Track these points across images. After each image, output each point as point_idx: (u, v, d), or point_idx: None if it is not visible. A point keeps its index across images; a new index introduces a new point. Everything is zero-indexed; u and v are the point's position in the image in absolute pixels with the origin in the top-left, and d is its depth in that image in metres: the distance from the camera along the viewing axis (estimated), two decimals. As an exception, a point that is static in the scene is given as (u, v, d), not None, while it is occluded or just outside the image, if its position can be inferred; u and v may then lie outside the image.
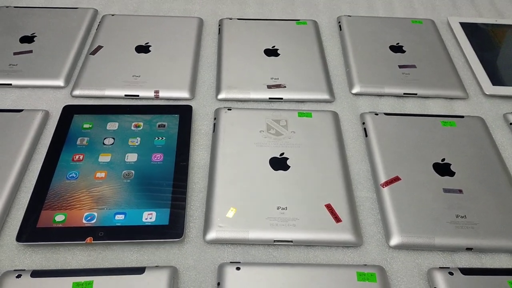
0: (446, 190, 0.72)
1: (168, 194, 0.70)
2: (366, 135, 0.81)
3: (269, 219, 0.67)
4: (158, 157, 0.75)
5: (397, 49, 0.97)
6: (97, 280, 0.59)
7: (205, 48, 0.98)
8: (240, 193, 0.70)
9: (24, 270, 0.61)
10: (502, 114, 0.87)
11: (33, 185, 0.71)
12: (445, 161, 0.76)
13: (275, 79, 0.89)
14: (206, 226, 0.67)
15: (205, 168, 0.76)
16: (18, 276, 0.59)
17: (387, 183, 0.73)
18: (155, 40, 0.96)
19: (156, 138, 0.77)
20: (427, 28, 1.04)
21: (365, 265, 0.64)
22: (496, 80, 0.92)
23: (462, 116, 0.84)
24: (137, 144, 0.76)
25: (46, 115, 0.82)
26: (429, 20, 1.06)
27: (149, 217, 0.67)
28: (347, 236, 0.66)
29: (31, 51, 0.92)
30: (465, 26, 1.05)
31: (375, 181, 0.74)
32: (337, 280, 0.60)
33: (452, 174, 0.74)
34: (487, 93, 0.90)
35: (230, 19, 1.03)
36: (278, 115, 0.82)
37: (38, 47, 0.93)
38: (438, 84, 0.90)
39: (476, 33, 1.04)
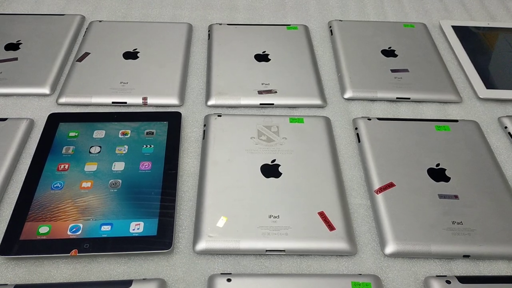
0: (442, 196, 0.70)
1: (157, 203, 0.67)
2: (359, 141, 0.79)
3: (261, 228, 0.65)
4: (146, 165, 0.73)
5: (389, 53, 0.96)
6: (82, 294, 0.57)
7: (195, 54, 0.97)
8: (230, 202, 0.68)
9: (7, 284, 0.59)
10: (496, 117, 0.86)
11: (17, 196, 0.68)
12: (440, 166, 0.75)
13: (266, 84, 0.87)
14: (196, 236, 0.65)
15: (195, 176, 0.74)
16: (0, 291, 0.57)
17: (381, 189, 0.71)
18: (144, 46, 0.94)
19: (144, 146, 0.75)
20: (419, 32, 1.03)
21: (360, 274, 0.62)
22: (489, 83, 0.91)
23: (456, 120, 0.83)
24: (124, 152, 0.74)
25: (31, 124, 0.80)
26: (421, 23, 1.05)
27: (136, 227, 0.65)
28: (341, 244, 0.65)
29: (16, 59, 0.90)
30: (457, 29, 1.04)
31: (369, 187, 0.73)
32: (331, 291, 0.59)
33: (447, 179, 0.73)
34: (481, 96, 0.89)
35: (220, 24, 1.02)
36: (269, 121, 0.80)
37: (23, 55, 0.91)
38: (431, 88, 0.89)
39: (469, 36, 1.03)
